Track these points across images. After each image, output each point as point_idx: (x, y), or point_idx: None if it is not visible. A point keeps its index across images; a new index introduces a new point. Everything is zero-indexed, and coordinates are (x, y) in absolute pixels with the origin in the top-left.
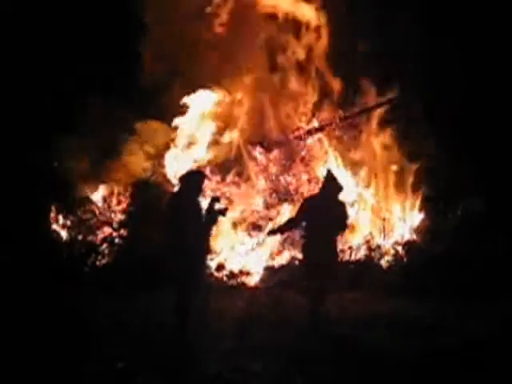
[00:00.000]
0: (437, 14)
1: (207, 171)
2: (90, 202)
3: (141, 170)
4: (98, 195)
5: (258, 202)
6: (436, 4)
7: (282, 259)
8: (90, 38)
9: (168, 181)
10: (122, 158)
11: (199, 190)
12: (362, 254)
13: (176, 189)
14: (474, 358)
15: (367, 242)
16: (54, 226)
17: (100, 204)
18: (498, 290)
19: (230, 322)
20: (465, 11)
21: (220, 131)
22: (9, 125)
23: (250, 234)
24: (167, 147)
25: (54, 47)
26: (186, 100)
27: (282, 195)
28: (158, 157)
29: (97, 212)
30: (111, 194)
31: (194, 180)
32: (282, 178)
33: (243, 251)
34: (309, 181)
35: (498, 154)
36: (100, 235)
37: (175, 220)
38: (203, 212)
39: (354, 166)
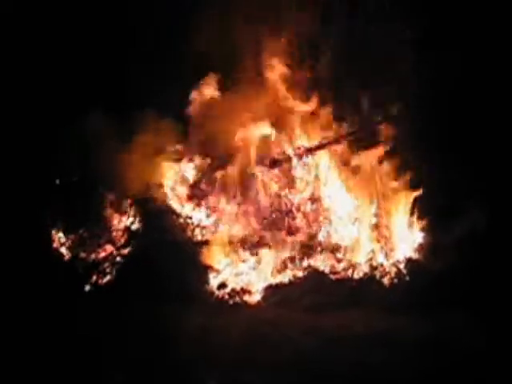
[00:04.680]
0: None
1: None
2: (93, 219)
3: (143, 187)
4: (99, 212)
5: (260, 220)
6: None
7: (284, 277)
8: None
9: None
10: (123, 174)
11: None
12: (363, 271)
13: None
14: (477, 374)
15: (370, 259)
16: (55, 244)
17: (102, 221)
18: (502, 306)
19: (231, 340)
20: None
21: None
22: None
23: (251, 252)
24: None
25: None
26: None
27: (283, 213)
28: (159, 173)
29: (99, 229)
30: (113, 210)
31: None
32: (283, 197)
33: (245, 269)
34: (310, 200)
35: (502, 166)
36: (102, 253)
37: None
38: None
39: (355, 184)
